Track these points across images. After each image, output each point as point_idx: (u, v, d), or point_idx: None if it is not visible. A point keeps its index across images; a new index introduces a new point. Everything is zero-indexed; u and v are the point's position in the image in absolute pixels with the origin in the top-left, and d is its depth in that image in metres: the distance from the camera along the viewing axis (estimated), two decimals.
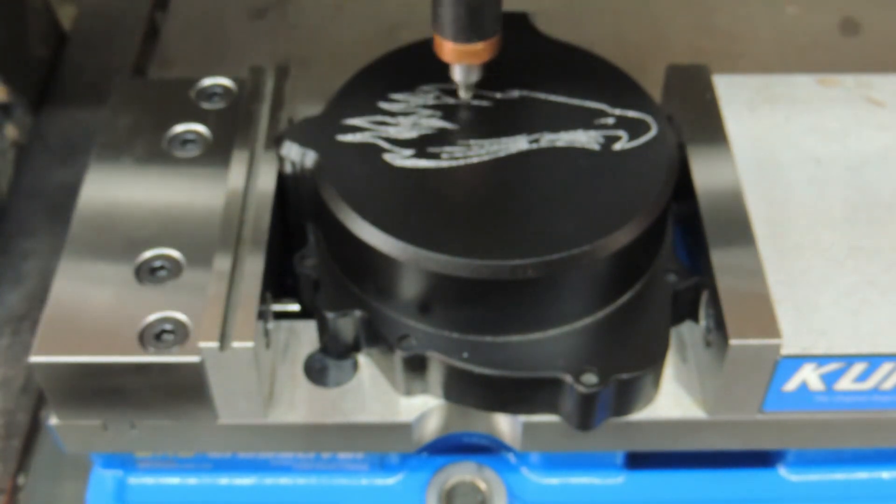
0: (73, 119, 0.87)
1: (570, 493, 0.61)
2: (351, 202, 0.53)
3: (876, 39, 0.95)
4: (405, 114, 0.58)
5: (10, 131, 0.83)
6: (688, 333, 0.57)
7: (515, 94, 0.59)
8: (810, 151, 0.60)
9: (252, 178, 0.58)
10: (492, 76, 0.59)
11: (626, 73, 0.61)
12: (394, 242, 0.52)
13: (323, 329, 0.56)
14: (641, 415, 0.54)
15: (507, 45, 0.62)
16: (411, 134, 0.57)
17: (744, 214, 0.55)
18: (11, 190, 0.82)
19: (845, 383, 0.53)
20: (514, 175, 0.55)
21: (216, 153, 0.60)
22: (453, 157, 0.56)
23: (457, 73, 0.56)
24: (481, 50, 0.53)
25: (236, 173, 0.58)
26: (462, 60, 0.54)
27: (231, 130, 0.61)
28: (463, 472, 0.61)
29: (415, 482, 0.61)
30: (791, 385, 0.53)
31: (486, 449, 0.61)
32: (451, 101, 0.58)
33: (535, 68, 0.60)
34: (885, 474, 0.62)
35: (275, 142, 0.58)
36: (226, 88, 0.64)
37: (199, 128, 0.61)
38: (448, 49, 0.53)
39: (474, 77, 0.56)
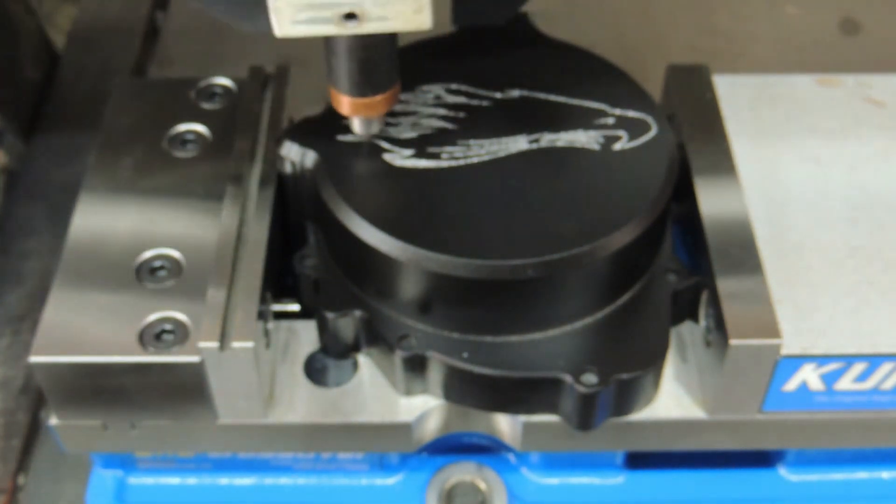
0: (66, 143, 0.86)
1: (570, 493, 0.61)
2: (351, 202, 0.53)
3: (876, 39, 0.95)
4: (405, 114, 0.58)
5: (0, 157, 0.83)
6: (688, 333, 0.57)
7: (515, 94, 0.59)
8: (810, 151, 0.60)
9: (252, 179, 0.58)
10: (492, 76, 0.59)
11: (626, 73, 0.61)
12: (394, 242, 0.52)
13: (323, 329, 0.56)
14: (641, 415, 0.54)
15: (508, 45, 0.62)
16: (411, 134, 0.57)
17: (744, 214, 0.55)
18: (8, 198, 0.81)
19: (845, 383, 0.53)
20: (514, 175, 0.55)
21: (216, 153, 0.60)
22: (453, 157, 0.56)
23: (356, 126, 0.55)
24: (378, 102, 0.52)
25: (236, 173, 0.58)
26: (359, 114, 0.53)
27: (231, 130, 0.61)
28: (463, 472, 0.61)
29: (415, 482, 0.61)
30: (791, 385, 0.53)
31: (486, 449, 0.61)
32: (450, 100, 0.58)
33: (535, 68, 0.60)
34: (885, 474, 0.62)
35: (275, 142, 0.58)
36: (226, 88, 0.64)
37: (199, 128, 0.61)
38: (345, 103, 0.52)
39: (375, 129, 0.55)
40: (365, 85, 0.51)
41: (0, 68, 0.85)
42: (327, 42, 0.50)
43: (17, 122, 0.85)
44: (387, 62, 0.51)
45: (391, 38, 0.50)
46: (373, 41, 0.49)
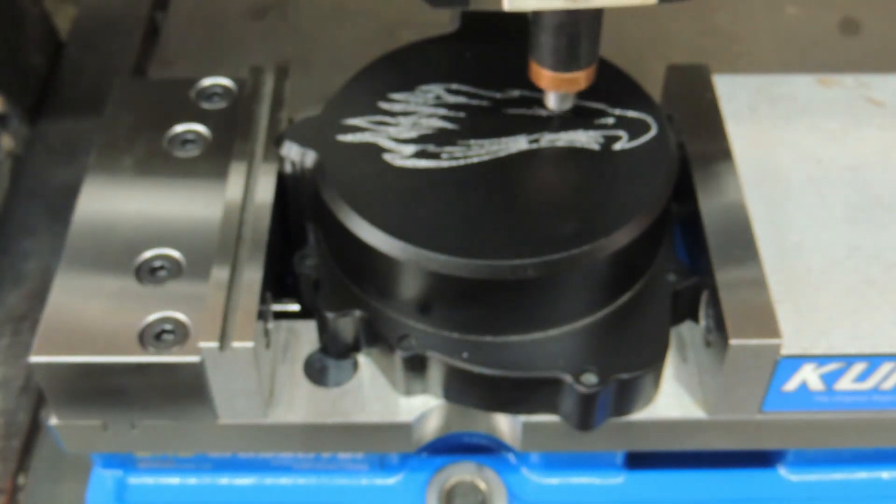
0: (70, 128, 0.86)
1: (570, 493, 0.61)
2: (351, 202, 0.53)
3: (876, 39, 0.95)
4: (405, 114, 0.58)
5: (6, 142, 0.83)
6: (688, 333, 0.57)
7: (515, 94, 0.59)
8: (810, 151, 0.60)
9: (252, 178, 0.58)
10: (492, 76, 0.59)
11: (627, 73, 0.61)
12: (394, 242, 0.52)
13: (323, 329, 0.56)
14: (641, 415, 0.54)
15: (508, 45, 0.62)
16: (411, 134, 0.57)
17: (744, 214, 0.55)
18: (8, 199, 0.81)
19: (845, 383, 0.53)
20: (514, 175, 0.55)
21: (216, 153, 0.60)
22: (453, 157, 0.56)
23: (551, 101, 0.56)
24: (580, 78, 0.53)
25: (236, 173, 0.58)
26: (559, 89, 0.54)
27: (231, 130, 0.61)
28: (463, 472, 0.61)
29: (415, 482, 0.61)
30: (791, 385, 0.53)
31: (486, 449, 0.61)
32: (450, 100, 0.59)
33: None
34: (885, 474, 0.62)
35: (275, 142, 0.58)
36: (226, 88, 0.64)
37: (199, 128, 0.61)
38: (546, 77, 0.53)
39: (567, 104, 0.56)
40: (569, 60, 0.52)
41: (5, 54, 0.86)
42: (536, 17, 0.51)
43: (22, 106, 0.85)
44: (592, 38, 0.52)
45: (600, 13, 0.51)
46: (585, 16, 0.50)
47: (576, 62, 0.53)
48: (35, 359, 0.51)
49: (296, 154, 0.57)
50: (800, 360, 0.51)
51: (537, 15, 0.51)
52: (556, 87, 0.54)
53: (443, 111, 0.58)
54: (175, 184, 0.58)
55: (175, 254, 0.55)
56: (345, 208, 0.53)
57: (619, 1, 0.48)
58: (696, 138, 0.59)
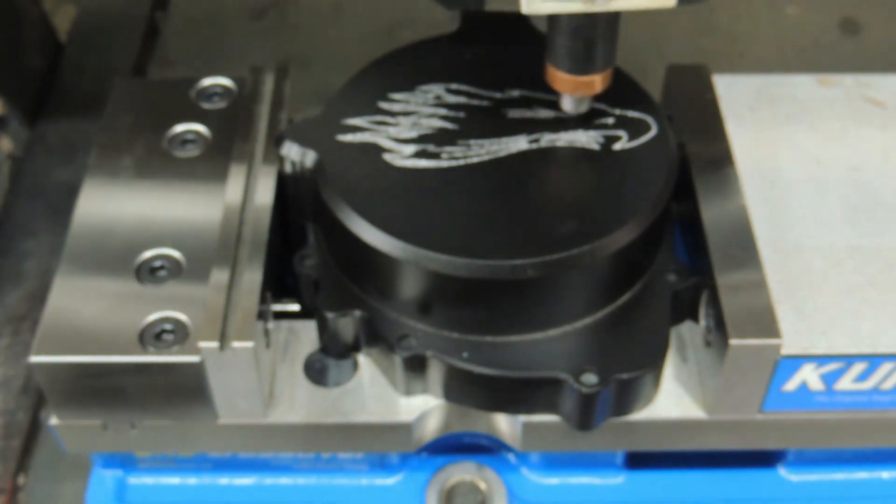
0: (70, 128, 0.86)
1: (570, 493, 0.61)
2: (351, 202, 0.53)
3: (876, 39, 0.95)
4: (405, 114, 0.58)
5: (5, 144, 0.83)
6: (688, 333, 0.57)
7: (515, 94, 0.59)
8: (810, 151, 0.60)
9: (252, 178, 0.58)
10: (492, 76, 0.59)
11: (627, 73, 0.61)
12: (394, 242, 0.52)
13: (323, 329, 0.56)
14: (641, 415, 0.54)
15: (507, 44, 0.62)
16: (411, 134, 0.57)
17: (744, 214, 0.55)
18: (8, 199, 0.81)
19: (845, 383, 0.53)
20: (514, 175, 0.55)
21: (216, 153, 0.60)
22: (453, 157, 0.56)
23: (567, 103, 0.56)
24: (596, 81, 0.53)
25: (236, 173, 0.58)
26: (576, 92, 0.54)
27: (231, 130, 0.61)
28: (463, 472, 0.61)
29: (415, 482, 0.61)
30: (791, 385, 0.53)
31: (486, 449, 0.61)
32: (450, 100, 0.59)
33: (535, 68, 0.60)
34: (885, 474, 0.62)
35: (275, 142, 0.58)
36: (226, 88, 0.64)
37: (199, 128, 0.61)
38: (563, 80, 0.53)
39: (584, 108, 0.56)
40: (586, 63, 0.52)
41: (4, 56, 0.86)
42: (553, 20, 0.51)
43: (21, 109, 0.85)
44: (610, 41, 0.52)
45: (617, 16, 0.51)
46: (602, 20, 0.50)
47: (592, 65, 0.52)
48: (35, 359, 0.51)
49: (296, 154, 0.57)
50: (800, 360, 0.51)
51: (554, 17, 0.51)
52: (572, 91, 0.54)
53: (443, 111, 0.58)
54: (175, 184, 0.58)
55: (175, 254, 0.55)
56: (345, 208, 0.53)
57: (637, 4, 0.47)
58: (696, 138, 0.59)
